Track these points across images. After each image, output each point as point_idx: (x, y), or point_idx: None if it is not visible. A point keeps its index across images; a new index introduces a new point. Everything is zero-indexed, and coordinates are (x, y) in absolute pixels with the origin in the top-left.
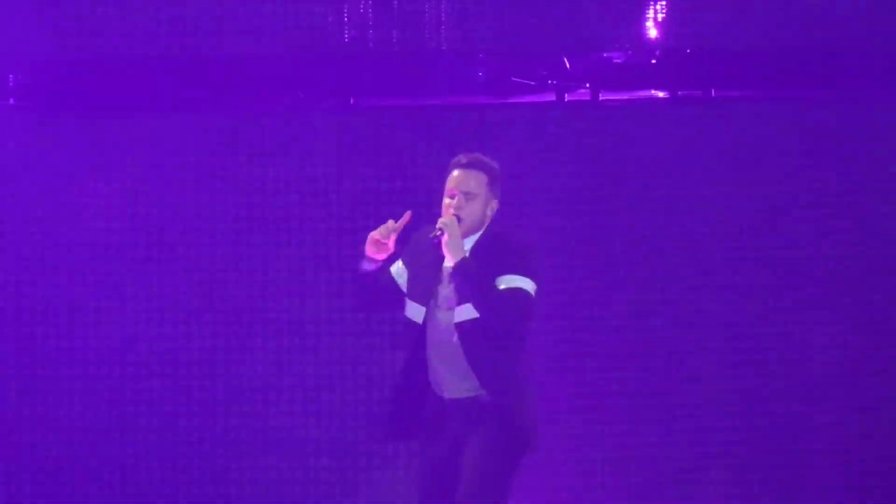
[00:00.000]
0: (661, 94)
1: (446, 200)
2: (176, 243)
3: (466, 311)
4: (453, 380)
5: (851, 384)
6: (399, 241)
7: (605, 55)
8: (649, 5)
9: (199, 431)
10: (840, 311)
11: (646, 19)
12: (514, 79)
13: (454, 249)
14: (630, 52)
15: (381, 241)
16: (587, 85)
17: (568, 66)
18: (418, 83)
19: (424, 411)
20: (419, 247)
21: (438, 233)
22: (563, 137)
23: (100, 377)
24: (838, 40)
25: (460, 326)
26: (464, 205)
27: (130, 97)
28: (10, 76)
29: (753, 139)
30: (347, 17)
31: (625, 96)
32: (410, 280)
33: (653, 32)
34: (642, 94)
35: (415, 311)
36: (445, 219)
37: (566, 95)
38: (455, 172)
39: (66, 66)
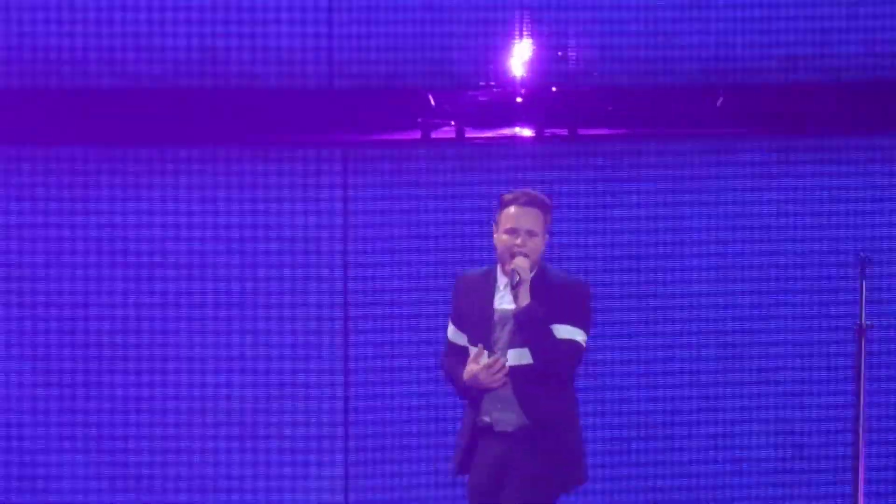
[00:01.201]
0: (526, 132)
1: (504, 237)
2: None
3: (519, 355)
4: (504, 415)
5: None
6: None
7: (470, 93)
8: (515, 43)
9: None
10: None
11: (511, 57)
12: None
13: (525, 293)
14: (496, 90)
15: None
16: (452, 122)
17: (433, 103)
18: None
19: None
20: (467, 290)
21: (518, 278)
22: (430, 174)
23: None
24: (701, 78)
25: (514, 370)
26: (528, 243)
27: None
28: None
29: (620, 176)
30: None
31: (490, 133)
32: (468, 323)
33: (519, 70)
34: (507, 131)
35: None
36: (522, 261)
37: (431, 133)
38: (513, 209)
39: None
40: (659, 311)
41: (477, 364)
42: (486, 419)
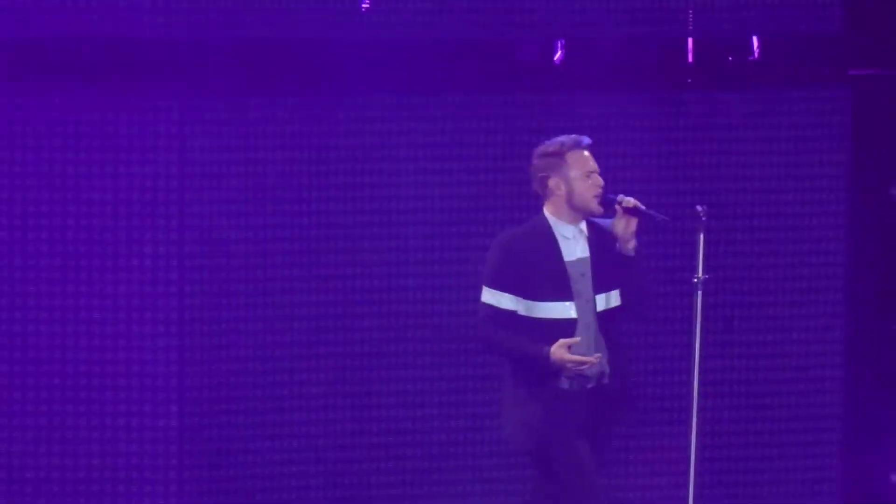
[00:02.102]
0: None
1: (586, 182)
2: None
3: (607, 299)
4: (593, 370)
5: None
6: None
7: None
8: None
9: None
10: None
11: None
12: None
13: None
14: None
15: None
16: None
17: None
18: None
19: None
20: (525, 251)
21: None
22: (266, 124)
23: None
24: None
25: (603, 315)
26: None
27: None
28: None
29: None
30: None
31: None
32: (537, 281)
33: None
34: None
35: (560, 310)
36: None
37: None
38: (586, 153)
39: None
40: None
41: (566, 354)
42: (566, 385)
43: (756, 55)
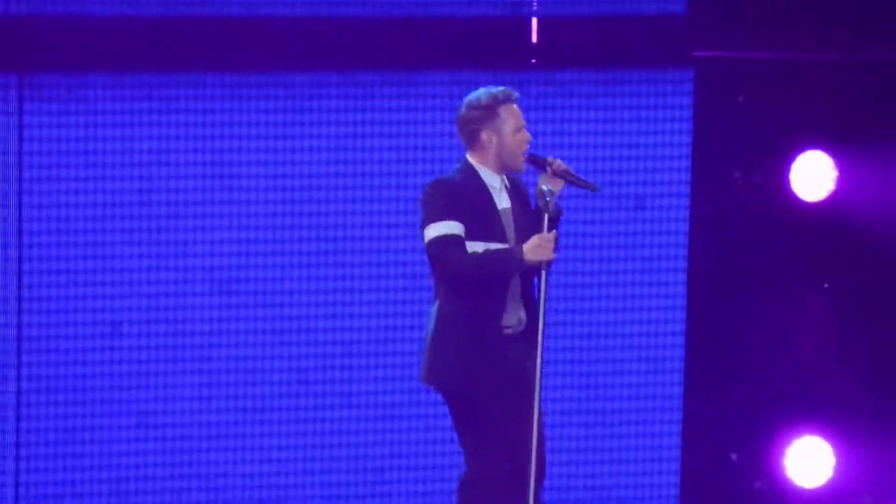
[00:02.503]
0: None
1: (516, 137)
2: None
3: None
4: (516, 313)
5: None
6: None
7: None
8: None
9: None
10: None
11: None
12: None
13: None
14: None
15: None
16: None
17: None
18: None
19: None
20: (458, 192)
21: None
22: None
23: None
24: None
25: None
26: None
27: None
28: None
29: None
30: None
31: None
32: (474, 223)
33: None
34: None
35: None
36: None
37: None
38: (516, 106)
39: None
40: (339, 241)
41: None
42: (509, 329)
43: (534, 39)
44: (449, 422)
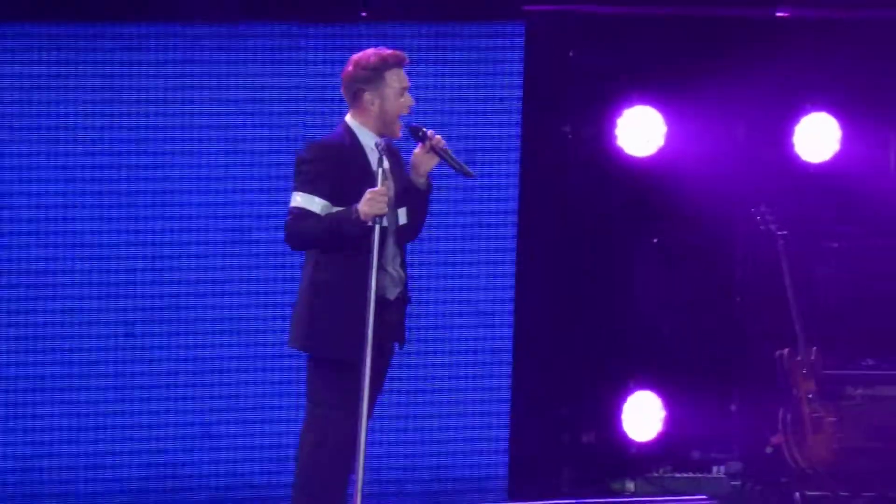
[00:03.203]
0: None
1: (400, 99)
2: None
3: (402, 214)
4: (393, 280)
5: None
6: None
7: None
8: None
9: None
10: None
11: None
12: None
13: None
14: None
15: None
16: None
17: None
18: None
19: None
20: (337, 157)
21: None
22: None
23: None
24: None
25: (399, 230)
26: None
27: None
28: None
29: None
30: None
31: None
32: (350, 189)
33: None
34: None
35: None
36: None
37: None
38: (403, 71)
39: None
40: (168, 194)
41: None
42: (390, 296)
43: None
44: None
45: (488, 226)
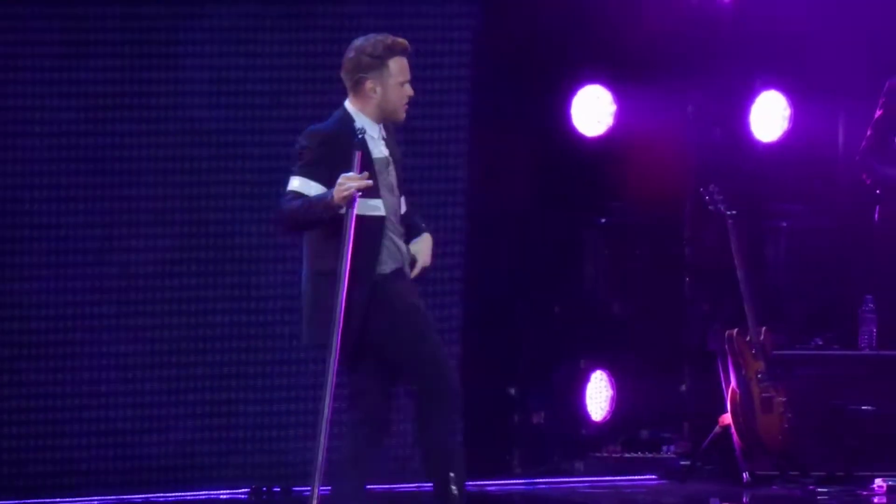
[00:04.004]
0: None
1: (402, 89)
2: None
3: (402, 202)
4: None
5: None
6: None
7: None
8: None
9: None
10: None
11: None
12: None
13: None
14: None
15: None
16: None
17: None
18: None
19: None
20: (336, 144)
21: None
22: None
23: None
24: None
25: (400, 217)
26: None
27: None
28: None
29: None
30: None
31: None
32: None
33: None
34: None
35: (369, 206)
36: None
37: None
38: (406, 60)
39: None
40: (132, 175)
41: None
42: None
43: None
44: None
45: (437, 205)
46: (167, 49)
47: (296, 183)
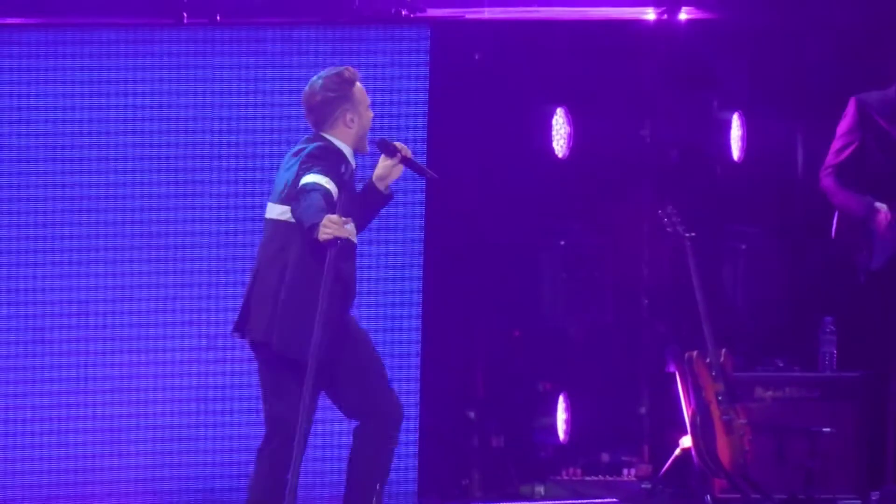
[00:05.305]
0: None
1: (369, 113)
2: None
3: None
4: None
5: None
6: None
7: None
8: None
9: None
10: None
11: None
12: None
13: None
14: None
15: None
16: None
17: None
18: None
19: None
20: (340, 167)
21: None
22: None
23: None
24: None
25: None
26: None
27: None
28: None
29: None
30: None
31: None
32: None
33: None
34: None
35: (349, 230)
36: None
37: None
38: (361, 86)
39: None
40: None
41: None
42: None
43: None
44: None
45: (395, 229)
46: (119, 75)
47: (324, 181)
